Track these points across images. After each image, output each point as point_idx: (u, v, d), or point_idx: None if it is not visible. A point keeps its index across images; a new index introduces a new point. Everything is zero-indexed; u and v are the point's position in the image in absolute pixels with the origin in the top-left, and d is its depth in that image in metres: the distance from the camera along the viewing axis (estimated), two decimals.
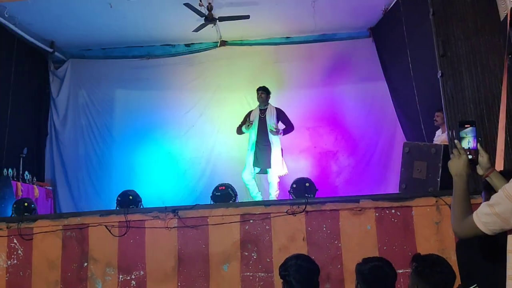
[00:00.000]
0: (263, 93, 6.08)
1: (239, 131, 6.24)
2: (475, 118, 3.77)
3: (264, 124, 6.01)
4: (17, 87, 6.38)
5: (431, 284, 2.01)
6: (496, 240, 1.82)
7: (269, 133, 5.95)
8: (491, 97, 3.86)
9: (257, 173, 6.13)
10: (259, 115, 6.08)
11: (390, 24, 6.53)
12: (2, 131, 6.06)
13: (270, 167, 5.94)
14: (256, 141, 6.02)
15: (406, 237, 3.71)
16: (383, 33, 6.86)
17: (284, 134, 6.09)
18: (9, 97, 6.24)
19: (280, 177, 5.99)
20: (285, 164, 6.05)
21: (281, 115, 6.11)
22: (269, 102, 6.14)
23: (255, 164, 6.03)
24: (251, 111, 6.23)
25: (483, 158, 1.91)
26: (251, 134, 6.07)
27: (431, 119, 5.58)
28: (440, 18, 4.05)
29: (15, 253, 4.04)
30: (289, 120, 6.14)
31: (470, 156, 1.88)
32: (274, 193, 5.90)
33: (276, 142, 5.97)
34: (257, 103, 6.23)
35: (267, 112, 6.06)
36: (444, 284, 2.03)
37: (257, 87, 6.18)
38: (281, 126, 6.10)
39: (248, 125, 6.05)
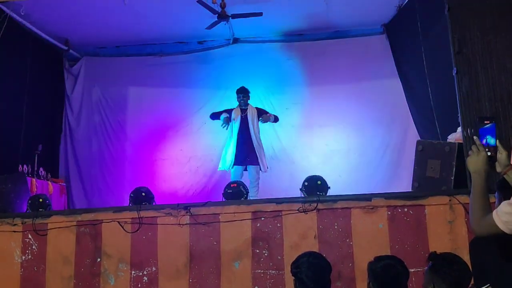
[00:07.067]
0: (245, 96, 6.28)
1: (215, 117, 6.38)
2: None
3: (246, 123, 6.19)
4: (32, 85, 6.46)
5: (447, 282, 1.99)
6: None
7: (251, 132, 6.15)
8: (507, 95, 3.79)
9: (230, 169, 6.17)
10: (240, 115, 6.24)
11: (404, 21, 6.45)
12: (18, 128, 6.15)
13: (253, 164, 6.07)
14: (237, 139, 6.15)
15: (419, 236, 3.68)
16: (397, 29, 6.78)
17: (275, 122, 6.40)
18: (25, 95, 6.33)
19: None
20: (266, 163, 6.22)
21: (261, 112, 6.34)
22: (248, 102, 6.33)
23: (235, 162, 6.11)
24: (233, 108, 6.34)
25: (502, 155, 1.88)
26: (233, 132, 6.20)
27: (446, 117, 5.50)
28: (456, 14, 3.99)
29: (29, 248, 4.10)
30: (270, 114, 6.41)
31: (489, 153, 1.85)
32: (254, 192, 5.90)
33: (258, 141, 6.18)
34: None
35: (248, 111, 6.26)
36: (460, 283, 2.01)
37: (237, 89, 6.35)
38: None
39: (224, 125, 6.23)
